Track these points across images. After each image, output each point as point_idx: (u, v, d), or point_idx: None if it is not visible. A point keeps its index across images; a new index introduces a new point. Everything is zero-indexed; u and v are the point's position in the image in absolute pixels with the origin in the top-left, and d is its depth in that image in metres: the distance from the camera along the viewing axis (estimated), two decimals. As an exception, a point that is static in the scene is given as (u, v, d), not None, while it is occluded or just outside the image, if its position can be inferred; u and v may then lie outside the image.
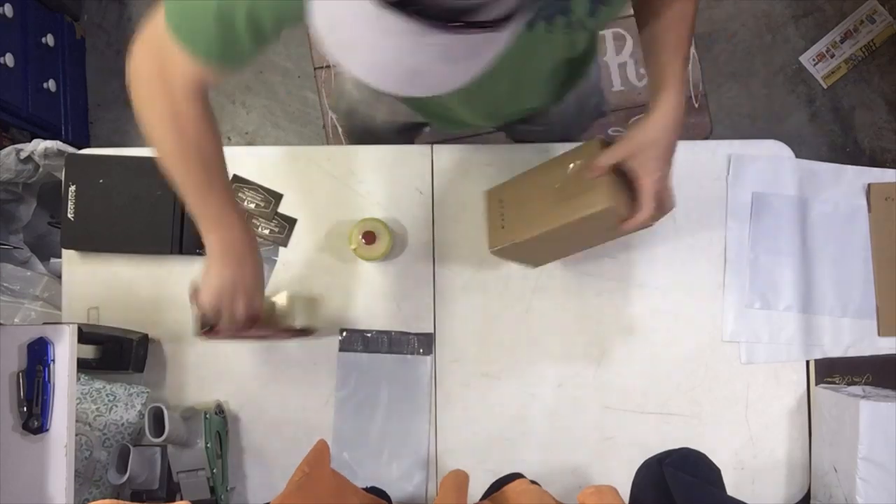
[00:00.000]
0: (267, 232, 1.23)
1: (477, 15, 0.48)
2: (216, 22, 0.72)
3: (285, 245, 1.23)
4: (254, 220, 1.23)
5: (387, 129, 1.30)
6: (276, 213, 1.23)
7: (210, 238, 0.89)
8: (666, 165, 0.87)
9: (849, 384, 1.21)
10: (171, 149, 0.84)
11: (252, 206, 1.23)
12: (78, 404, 1.11)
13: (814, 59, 2.04)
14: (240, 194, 1.23)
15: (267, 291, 1.22)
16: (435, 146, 1.24)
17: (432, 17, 0.47)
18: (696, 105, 2.02)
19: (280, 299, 1.12)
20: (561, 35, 0.78)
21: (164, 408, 1.08)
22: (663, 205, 0.90)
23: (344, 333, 1.22)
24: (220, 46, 0.74)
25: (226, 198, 0.89)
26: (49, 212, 1.64)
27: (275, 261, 1.22)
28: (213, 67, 0.77)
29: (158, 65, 0.78)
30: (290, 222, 1.23)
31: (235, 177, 1.23)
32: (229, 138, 2.07)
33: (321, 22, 0.54)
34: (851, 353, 1.22)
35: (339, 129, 1.39)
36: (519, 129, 1.27)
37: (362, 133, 1.33)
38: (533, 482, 1.01)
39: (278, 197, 1.23)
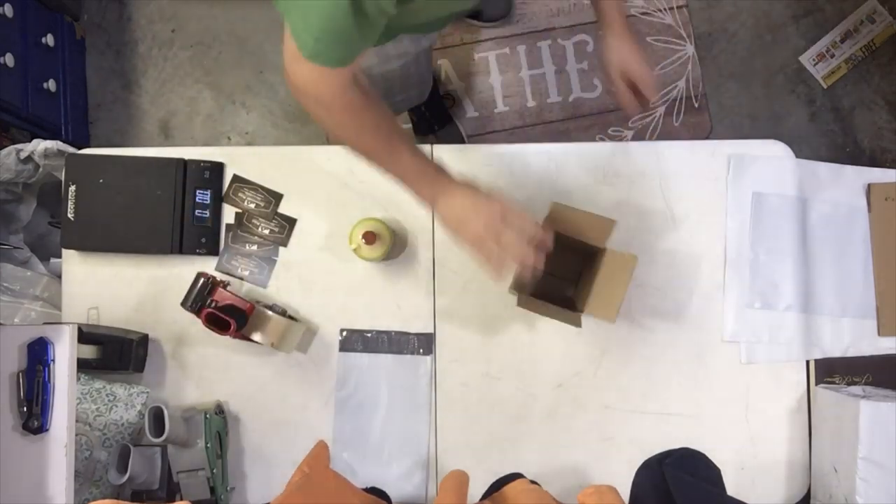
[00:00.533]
0: (267, 232, 1.23)
1: None
2: (351, 28, 0.74)
3: (285, 245, 1.23)
4: (253, 220, 1.23)
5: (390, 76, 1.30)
6: (276, 213, 1.23)
7: (443, 192, 0.93)
8: (642, 57, 1.09)
9: (849, 384, 1.21)
10: (364, 139, 0.91)
11: (252, 206, 1.23)
12: (78, 404, 1.11)
13: (814, 59, 2.04)
14: (240, 194, 1.23)
15: (267, 291, 1.22)
16: (435, 146, 1.24)
17: None
18: (697, 105, 2.02)
19: (277, 320, 1.13)
20: None
21: (164, 408, 1.08)
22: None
23: (344, 333, 1.22)
24: (362, 38, 0.78)
25: (425, 161, 0.94)
26: (49, 212, 1.64)
27: (275, 261, 1.23)
28: (357, 56, 0.81)
29: (323, 88, 0.84)
30: (290, 222, 1.23)
31: (235, 177, 1.24)
32: (229, 138, 2.07)
33: None
34: (851, 353, 1.22)
35: None
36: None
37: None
38: (533, 482, 1.01)
39: (278, 197, 1.23)
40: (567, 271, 1.21)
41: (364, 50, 0.82)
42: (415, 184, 0.93)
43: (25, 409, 0.98)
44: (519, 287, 1.09)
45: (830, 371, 1.22)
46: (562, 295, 1.21)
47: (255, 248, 1.23)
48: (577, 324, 1.09)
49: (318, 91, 0.84)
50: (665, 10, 2.04)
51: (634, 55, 1.08)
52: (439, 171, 0.94)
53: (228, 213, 1.24)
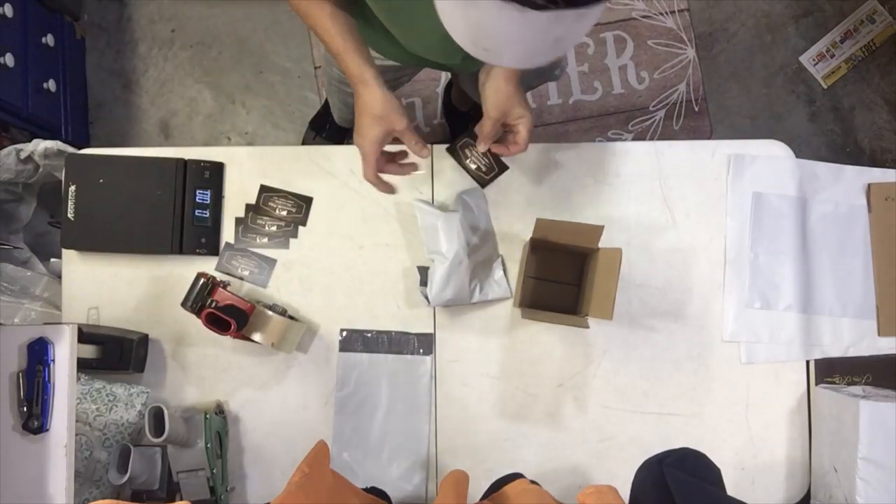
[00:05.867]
0: (284, 213, 1.23)
1: None
2: None
3: (304, 224, 1.23)
4: (270, 203, 1.23)
5: None
6: (291, 194, 1.23)
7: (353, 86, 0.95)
8: (528, 109, 1.01)
9: (849, 384, 1.21)
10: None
11: (284, 212, 1.23)
12: (78, 404, 1.11)
13: (814, 59, 2.04)
14: (270, 203, 1.23)
15: (267, 291, 1.22)
16: (435, 146, 1.24)
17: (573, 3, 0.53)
18: (697, 109, 2.02)
19: (277, 320, 1.13)
20: None
21: (164, 408, 1.08)
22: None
23: (344, 333, 1.22)
24: None
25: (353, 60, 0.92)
26: (49, 212, 1.64)
27: (275, 261, 1.22)
28: None
29: None
30: (306, 201, 1.23)
31: (263, 187, 1.23)
32: (229, 138, 2.07)
33: (464, 35, 0.60)
34: (851, 353, 1.22)
35: (336, 102, 1.43)
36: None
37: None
38: (533, 482, 1.01)
39: (308, 201, 1.23)
40: (567, 277, 1.21)
41: None
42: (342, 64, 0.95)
43: (25, 409, 0.98)
44: (522, 300, 1.09)
45: (830, 371, 1.22)
46: (564, 300, 1.21)
47: (265, 240, 1.23)
48: (584, 325, 1.09)
49: None
50: (666, 13, 2.04)
51: (524, 106, 1.00)
52: (349, 64, 0.93)
53: (229, 214, 1.24)
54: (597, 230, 1.07)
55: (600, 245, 1.09)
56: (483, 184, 1.05)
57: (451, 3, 0.59)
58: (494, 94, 0.99)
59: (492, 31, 0.57)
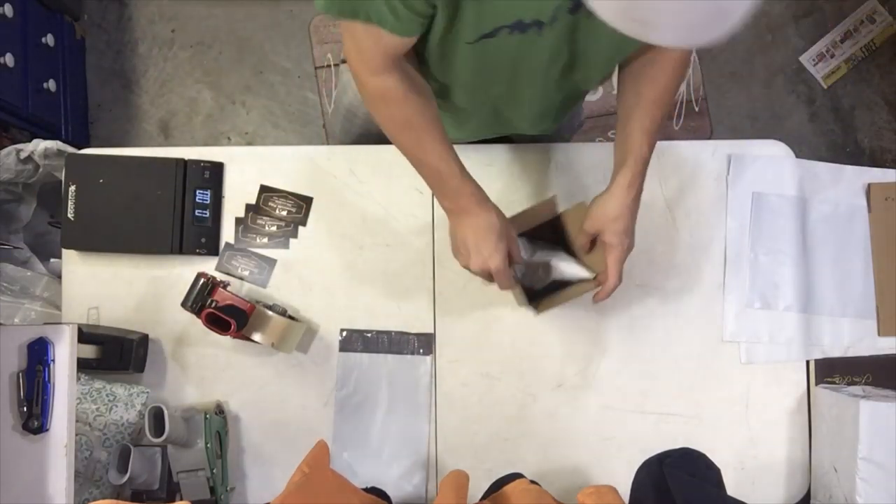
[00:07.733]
0: (284, 213, 1.23)
1: None
2: None
3: (304, 224, 1.23)
4: (270, 203, 1.23)
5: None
6: (291, 194, 1.23)
7: (452, 212, 0.98)
8: (628, 238, 0.96)
9: (849, 384, 1.21)
10: (393, 132, 0.91)
11: (284, 213, 1.23)
12: (78, 404, 1.11)
13: (814, 59, 2.04)
14: (270, 203, 1.23)
15: (267, 291, 1.22)
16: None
17: None
18: (697, 109, 2.02)
19: (277, 320, 1.13)
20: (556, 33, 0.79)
21: (164, 408, 1.08)
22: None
23: (344, 333, 1.22)
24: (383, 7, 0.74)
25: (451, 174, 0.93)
26: (49, 212, 1.64)
27: (275, 261, 1.22)
28: (386, 27, 0.77)
29: (356, 63, 0.85)
30: (306, 201, 1.23)
31: (263, 187, 1.23)
32: (229, 138, 2.07)
33: (615, 7, 0.54)
34: (851, 353, 1.22)
35: (337, 129, 1.41)
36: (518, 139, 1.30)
37: (358, 135, 1.33)
38: (533, 482, 1.01)
39: (308, 201, 1.23)
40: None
41: (390, 25, 0.76)
42: (435, 191, 0.98)
43: (25, 409, 0.98)
44: (527, 298, 1.06)
45: (830, 371, 1.22)
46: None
47: (265, 240, 1.23)
48: (593, 287, 1.04)
49: (354, 70, 0.85)
50: (665, 10, 2.04)
51: (627, 231, 0.94)
52: (461, 187, 0.93)
53: (229, 214, 1.24)
54: (550, 201, 1.04)
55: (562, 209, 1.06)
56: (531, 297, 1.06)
57: None
58: (604, 202, 0.94)
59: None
